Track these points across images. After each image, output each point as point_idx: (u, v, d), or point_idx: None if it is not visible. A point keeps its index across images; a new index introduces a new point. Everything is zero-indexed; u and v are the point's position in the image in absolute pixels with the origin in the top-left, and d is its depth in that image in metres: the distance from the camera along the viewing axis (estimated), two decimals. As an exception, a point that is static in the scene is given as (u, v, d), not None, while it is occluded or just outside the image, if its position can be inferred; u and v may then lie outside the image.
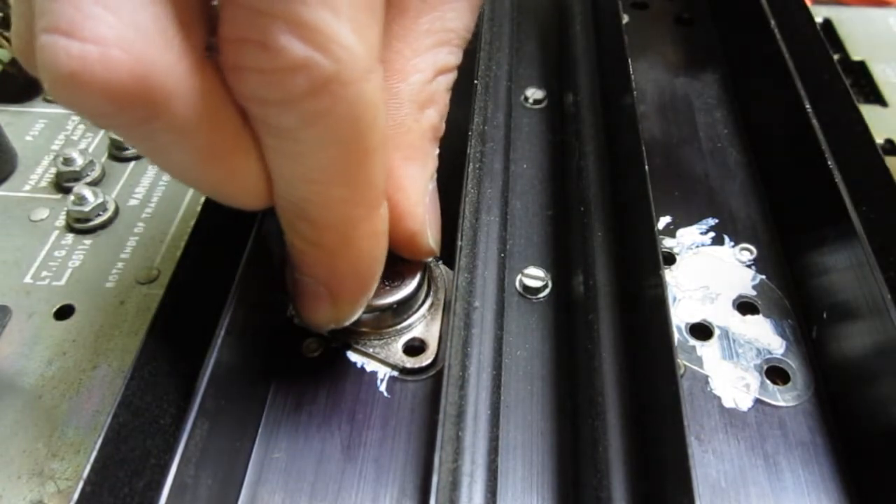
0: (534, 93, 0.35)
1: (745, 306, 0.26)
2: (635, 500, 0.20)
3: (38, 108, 0.36)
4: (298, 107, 0.16)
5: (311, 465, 0.22)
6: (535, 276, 0.26)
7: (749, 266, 0.27)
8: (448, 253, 0.26)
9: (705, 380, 0.24)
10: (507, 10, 0.38)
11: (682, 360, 0.24)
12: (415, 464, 0.22)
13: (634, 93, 0.28)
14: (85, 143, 0.34)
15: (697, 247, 0.28)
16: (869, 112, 0.34)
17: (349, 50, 0.15)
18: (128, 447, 0.18)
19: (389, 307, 0.24)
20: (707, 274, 0.27)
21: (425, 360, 0.24)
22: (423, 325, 0.25)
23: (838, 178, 0.24)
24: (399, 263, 0.25)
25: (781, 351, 0.24)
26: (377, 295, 0.24)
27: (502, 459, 0.22)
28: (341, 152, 0.17)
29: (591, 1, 0.38)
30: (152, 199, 0.31)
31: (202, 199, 0.25)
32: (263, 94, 0.16)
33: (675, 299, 0.26)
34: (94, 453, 0.18)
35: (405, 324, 0.25)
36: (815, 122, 0.27)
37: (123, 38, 0.14)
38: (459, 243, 0.24)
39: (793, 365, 0.24)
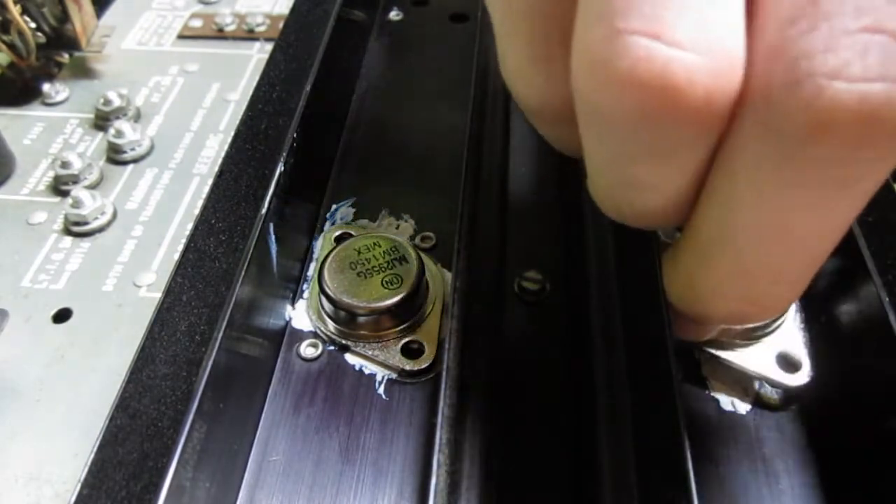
0: (532, 96, 0.35)
1: (743, 309, 0.26)
2: (632, 503, 0.20)
3: (37, 112, 0.36)
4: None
5: (309, 467, 0.22)
6: (533, 278, 0.26)
7: (747, 269, 0.27)
8: (447, 255, 0.26)
9: (703, 382, 0.24)
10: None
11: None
12: (413, 466, 0.22)
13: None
14: (83, 146, 0.34)
15: (695, 250, 0.28)
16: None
17: None
18: (125, 450, 0.18)
19: (388, 309, 0.24)
20: (705, 277, 0.27)
21: (424, 362, 0.24)
22: (421, 327, 0.25)
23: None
24: (396, 266, 0.25)
25: (792, 342, 0.24)
26: (375, 297, 0.24)
27: (501, 462, 0.22)
28: None
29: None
30: (150, 202, 0.31)
31: (201, 202, 0.25)
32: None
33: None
34: (92, 456, 0.18)
35: (403, 326, 0.25)
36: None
37: (717, 46, 0.13)
38: (458, 245, 0.24)
39: (805, 358, 0.24)
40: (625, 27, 0.13)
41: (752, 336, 0.23)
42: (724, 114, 0.14)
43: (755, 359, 0.23)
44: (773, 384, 0.23)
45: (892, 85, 0.12)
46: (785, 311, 0.17)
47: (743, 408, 0.23)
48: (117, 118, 0.35)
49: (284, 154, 0.26)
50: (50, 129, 0.35)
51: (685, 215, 0.16)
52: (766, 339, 0.23)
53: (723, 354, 0.23)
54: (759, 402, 0.23)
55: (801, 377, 0.23)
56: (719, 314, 0.17)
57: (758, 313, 0.17)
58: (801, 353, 0.23)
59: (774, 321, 0.23)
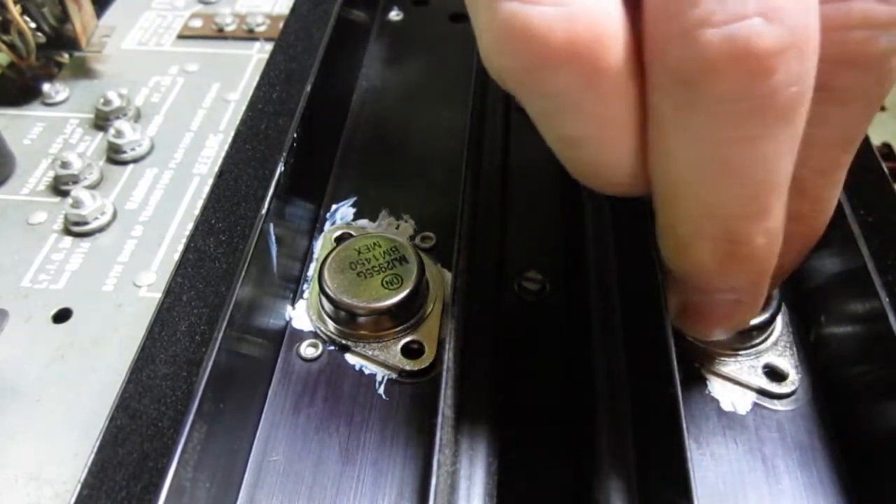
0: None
1: (743, 309, 0.26)
2: (634, 503, 0.20)
3: (37, 112, 0.36)
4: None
5: (310, 467, 0.22)
6: (533, 278, 0.26)
7: (747, 269, 0.27)
8: (447, 255, 0.26)
9: (703, 383, 0.24)
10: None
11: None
12: (413, 466, 0.22)
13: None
14: (83, 146, 0.34)
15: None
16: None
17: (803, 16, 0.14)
18: (125, 450, 0.18)
19: (388, 309, 0.24)
20: (705, 277, 0.27)
21: (424, 362, 0.24)
22: (421, 327, 0.25)
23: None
24: (396, 266, 0.25)
25: (779, 354, 0.24)
26: (375, 297, 0.24)
27: (501, 462, 0.22)
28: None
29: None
30: (150, 202, 0.31)
31: (201, 202, 0.25)
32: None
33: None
34: (92, 456, 0.18)
35: (403, 326, 0.25)
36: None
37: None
38: (458, 245, 0.24)
39: (790, 368, 0.24)
40: None
41: (743, 347, 0.24)
42: (603, 59, 0.15)
43: (745, 370, 0.24)
44: (763, 394, 0.23)
45: (754, 20, 0.14)
46: (771, 243, 0.18)
47: (743, 408, 0.23)
48: (117, 118, 0.35)
49: (284, 154, 0.26)
50: (50, 129, 0.35)
51: (640, 175, 0.18)
52: (755, 350, 0.24)
53: (715, 366, 0.24)
54: (762, 392, 0.23)
55: (788, 386, 0.23)
56: (707, 257, 0.18)
57: (742, 252, 0.18)
58: (788, 363, 0.24)
59: (764, 333, 0.24)
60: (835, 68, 0.15)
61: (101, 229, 0.30)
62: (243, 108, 0.29)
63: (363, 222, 0.29)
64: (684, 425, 0.18)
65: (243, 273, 0.22)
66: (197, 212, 0.25)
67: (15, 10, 0.34)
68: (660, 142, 0.16)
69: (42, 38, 0.36)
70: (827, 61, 0.15)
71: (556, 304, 0.26)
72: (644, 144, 0.17)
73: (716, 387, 0.23)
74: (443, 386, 0.20)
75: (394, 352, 0.24)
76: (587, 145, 0.17)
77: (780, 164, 0.16)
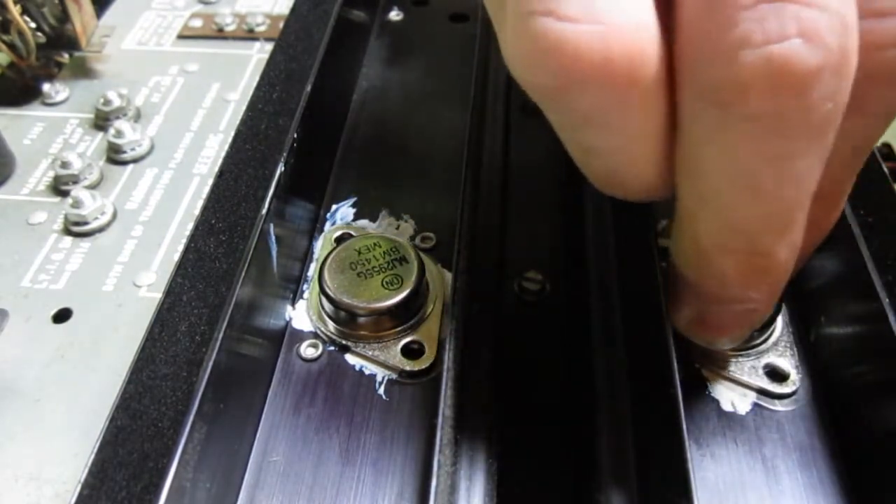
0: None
1: (742, 309, 0.26)
2: (634, 503, 0.20)
3: (37, 112, 0.36)
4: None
5: (310, 468, 0.22)
6: (533, 278, 0.26)
7: (747, 269, 0.27)
8: (447, 254, 0.26)
9: (703, 383, 0.24)
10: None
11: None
12: (413, 467, 0.22)
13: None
14: (83, 146, 0.34)
15: (695, 250, 0.28)
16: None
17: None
18: (126, 450, 0.18)
19: (388, 310, 0.24)
20: (705, 277, 0.27)
21: (424, 363, 0.24)
22: (421, 327, 0.25)
23: (836, 181, 0.24)
24: (396, 266, 0.25)
25: (779, 354, 0.24)
26: (375, 298, 0.24)
27: (501, 462, 0.22)
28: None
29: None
30: (150, 202, 0.31)
31: (201, 202, 0.25)
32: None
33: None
34: (92, 456, 0.18)
35: (404, 326, 0.25)
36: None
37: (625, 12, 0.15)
38: (458, 245, 0.24)
39: (791, 369, 0.24)
40: (527, 10, 0.15)
41: (743, 348, 0.24)
42: (638, 78, 0.15)
43: (746, 370, 0.24)
44: (764, 394, 0.23)
45: (794, 41, 0.14)
46: (791, 259, 0.18)
47: (743, 408, 0.23)
48: (117, 118, 0.35)
49: (284, 154, 0.26)
50: (50, 129, 0.35)
51: (663, 183, 0.17)
52: (755, 351, 0.24)
53: (716, 366, 0.24)
54: (763, 392, 0.23)
55: (789, 386, 0.23)
56: (730, 269, 0.18)
57: (766, 264, 0.18)
58: (788, 364, 0.24)
59: (765, 334, 0.24)
60: (864, 84, 0.15)
61: (101, 229, 0.30)
62: (243, 108, 0.29)
63: (363, 222, 0.29)
64: (684, 425, 0.18)
65: (243, 273, 0.22)
66: (197, 212, 0.25)
67: (15, 10, 0.34)
68: (689, 157, 0.16)
69: (42, 38, 0.36)
70: (858, 77, 0.15)
71: (556, 304, 0.26)
72: (669, 155, 0.17)
73: (716, 387, 0.23)
74: (443, 386, 0.20)
75: (394, 352, 0.24)
76: (611, 155, 0.17)
77: (809, 180, 0.16)
